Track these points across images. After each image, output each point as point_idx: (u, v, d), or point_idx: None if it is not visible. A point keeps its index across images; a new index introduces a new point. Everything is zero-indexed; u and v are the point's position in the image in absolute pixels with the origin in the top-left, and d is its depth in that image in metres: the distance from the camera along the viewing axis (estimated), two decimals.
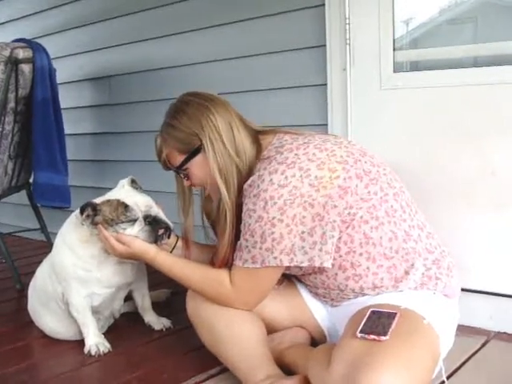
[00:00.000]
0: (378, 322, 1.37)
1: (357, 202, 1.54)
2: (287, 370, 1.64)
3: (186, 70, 2.92)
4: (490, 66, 2.03)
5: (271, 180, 1.53)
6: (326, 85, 2.38)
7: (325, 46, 2.35)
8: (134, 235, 1.86)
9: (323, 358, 1.45)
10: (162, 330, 2.20)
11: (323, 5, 2.34)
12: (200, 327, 1.76)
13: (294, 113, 2.52)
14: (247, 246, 1.57)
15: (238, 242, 1.61)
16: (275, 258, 1.54)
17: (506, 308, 2.04)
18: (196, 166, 1.71)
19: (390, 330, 1.34)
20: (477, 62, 2.12)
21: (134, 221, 1.89)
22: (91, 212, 1.88)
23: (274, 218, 1.52)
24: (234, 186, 1.65)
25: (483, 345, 1.91)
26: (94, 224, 1.90)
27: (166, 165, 1.77)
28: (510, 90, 1.97)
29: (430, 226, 1.65)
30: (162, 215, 1.95)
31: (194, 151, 1.68)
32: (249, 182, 1.59)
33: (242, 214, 1.60)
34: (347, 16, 2.27)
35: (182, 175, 1.77)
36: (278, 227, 1.52)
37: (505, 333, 2.03)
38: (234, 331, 1.66)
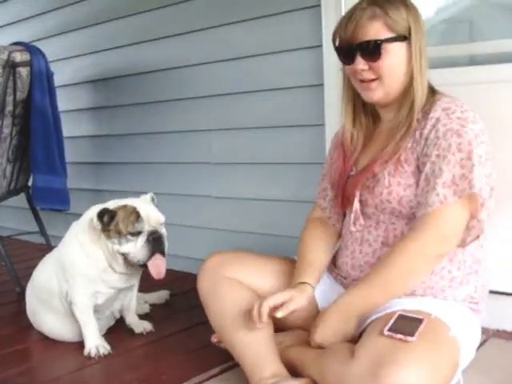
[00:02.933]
0: (406, 325, 1.39)
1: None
2: (288, 367, 1.63)
3: (184, 72, 2.92)
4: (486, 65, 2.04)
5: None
6: (322, 85, 2.39)
7: (321, 46, 2.36)
8: (134, 250, 1.93)
9: (341, 353, 1.45)
10: (142, 333, 2.18)
11: (319, 5, 2.35)
12: (211, 307, 1.72)
13: (291, 113, 2.53)
14: (463, 175, 1.46)
15: (444, 177, 1.46)
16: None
17: (505, 306, 2.05)
18: (394, 52, 1.55)
19: (417, 332, 1.36)
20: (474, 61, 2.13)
21: (139, 233, 1.94)
22: (107, 218, 1.94)
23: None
24: (423, 98, 1.56)
25: (482, 343, 1.91)
26: (105, 231, 1.95)
27: (354, 40, 1.54)
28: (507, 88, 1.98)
29: None
30: (165, 239, 1.99)
31: (402, 36, 1.55)
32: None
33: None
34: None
35: (361, 57, 1.55)
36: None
37: (504, 331, 2.03)
38: (247, 322, 1.63)
